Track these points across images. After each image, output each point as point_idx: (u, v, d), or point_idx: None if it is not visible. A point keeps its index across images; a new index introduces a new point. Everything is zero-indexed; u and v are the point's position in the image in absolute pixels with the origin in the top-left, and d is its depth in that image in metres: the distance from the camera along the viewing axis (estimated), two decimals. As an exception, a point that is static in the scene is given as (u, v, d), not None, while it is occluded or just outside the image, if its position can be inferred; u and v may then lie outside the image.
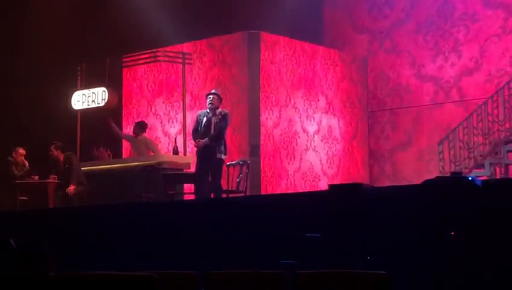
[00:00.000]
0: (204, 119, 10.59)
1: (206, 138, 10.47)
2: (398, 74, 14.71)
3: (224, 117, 10.60)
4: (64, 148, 12.45)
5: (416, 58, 14.52)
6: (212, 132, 10.50)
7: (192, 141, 11.05)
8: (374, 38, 15.07)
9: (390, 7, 14.94)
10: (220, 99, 10.74)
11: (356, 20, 15.36)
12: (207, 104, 10.69)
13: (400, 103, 14.65)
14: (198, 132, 10.62)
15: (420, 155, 14.24)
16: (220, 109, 10.68)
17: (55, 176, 12.32)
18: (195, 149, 10.85)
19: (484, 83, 13.72)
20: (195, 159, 10.96)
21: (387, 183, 14.08)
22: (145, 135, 12.74)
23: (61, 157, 12.30)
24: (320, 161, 13.71)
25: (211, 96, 10.67)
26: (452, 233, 5.61)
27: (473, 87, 13.83)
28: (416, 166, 14.17)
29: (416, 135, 14.41)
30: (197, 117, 10.86)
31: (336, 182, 13.48)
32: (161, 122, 13.98)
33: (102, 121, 13.07)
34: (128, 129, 13.97)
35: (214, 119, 10.55)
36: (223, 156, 10.53)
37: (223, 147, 10.54)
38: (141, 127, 12.68)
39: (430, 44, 14.36)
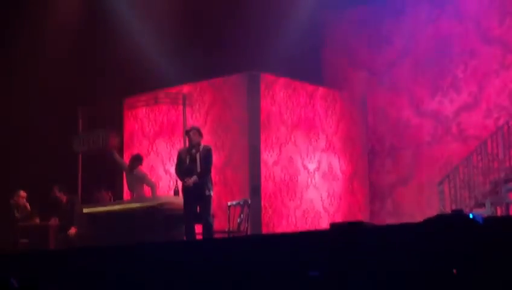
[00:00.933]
0: (188, 156, 10.43)
1: (195, 176, 10.30)
2: (397, 111, 14.76)
3: (209, 152, 10.47)
4: (67, 190, 12.46)
5: (415, 94, 14.58)
6: (198, 168, 10.33)
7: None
8: (373, 75, 15.14)
9: (388, 44, 15.03)
10: (200, 134, 10.55)
11: (354, 58, 15.44)
12: (188, 141, 10.56)
13: (400, 139, 14.68)
14: (182, 169, 10.46)
15: (420, 190, 14.23)
16: (202, 145, 10.56)
17: (57, 219, 12.30)
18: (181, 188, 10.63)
19: (483, 119, 13.77)
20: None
21: (388, 219, 14.08)
22: (141, 168, 12.69)
23: (64, 199, 12.30)
24: (321, 198, 13.70)
25: (190, 132, 10.54)
26: (454, 270, 5.60)
27: (473, 123, 13.87)
28: (416, 201, 14.16)
29: (416, 170, 14.42)
30: (178, 155, 10.70)
31: (337, 219, 13.46)
32: (162, 161, 13.99)
33: (104, 163, 13.07)
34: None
35: (198, 156, 10.40)
36: (211, 193, 10.43)
37: (210, 183, 10.42)
38: (137, 160, 12.59)
39: (428, 80, 14.42)
